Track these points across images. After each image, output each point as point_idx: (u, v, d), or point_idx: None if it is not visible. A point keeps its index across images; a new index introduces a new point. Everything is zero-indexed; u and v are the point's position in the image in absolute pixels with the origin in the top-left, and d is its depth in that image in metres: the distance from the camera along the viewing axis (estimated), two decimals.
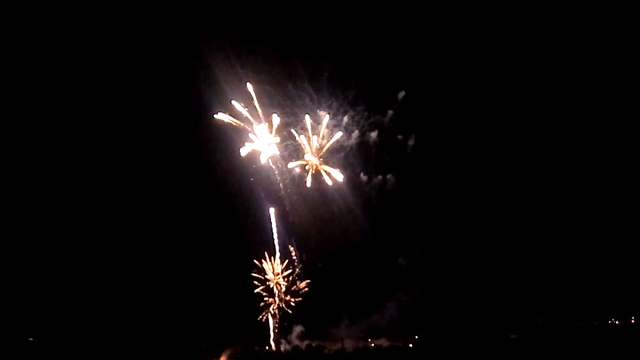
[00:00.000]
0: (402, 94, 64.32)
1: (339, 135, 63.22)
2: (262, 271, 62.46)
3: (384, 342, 62.86)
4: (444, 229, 64.12)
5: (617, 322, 63.47)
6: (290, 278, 62.76)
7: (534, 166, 64.40)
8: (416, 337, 63.33)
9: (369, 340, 63.24)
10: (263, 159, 62.56)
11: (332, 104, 62.49)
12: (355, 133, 63.74)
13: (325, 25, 61.58)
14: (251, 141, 62.27)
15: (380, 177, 64.57)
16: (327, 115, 62.67)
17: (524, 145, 64.62)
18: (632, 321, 62.90)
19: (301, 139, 63.02)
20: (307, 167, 63.29)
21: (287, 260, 63.00)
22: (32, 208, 61.06)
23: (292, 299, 62.35)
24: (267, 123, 62.28)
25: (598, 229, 62.56)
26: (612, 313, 63.18)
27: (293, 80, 61.42)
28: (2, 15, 59.08)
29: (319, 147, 63.08)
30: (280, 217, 63.73)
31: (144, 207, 62.52)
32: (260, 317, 62.24)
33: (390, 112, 64.48)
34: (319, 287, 62.57)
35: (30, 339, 58.29)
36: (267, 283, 62.34)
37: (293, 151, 63.19)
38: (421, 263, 63.76)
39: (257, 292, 62.18)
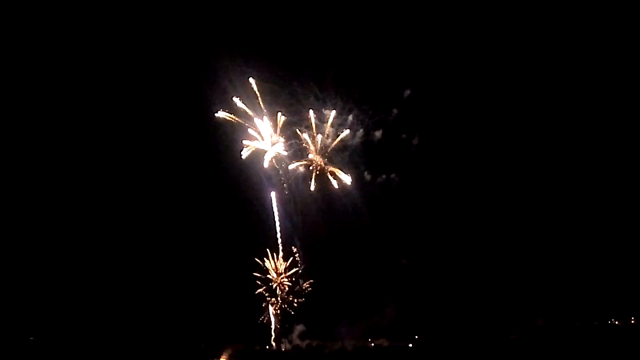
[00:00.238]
0: (407, 92, 64.18)
1: (346, 132, 62.92)
2: (265, 270, 62.17)
3: (384, 342, 62.84)
4: (446, 229, 64.04)
5: (616, 323, 63.62)
6: (294, 278, 62.51)
7: (535, 168, 64.45)
8: (416, 336, 63.19)
9: (369, 340, 63.08)
10: (266, 160, 62.37)
11: (337, 102, 62.20)
12: (360, 132, 63.51)
13: (331, 24, 61.44)
14: (255, 139, 61.99)
15: (384, 176, 64.43)
16: (334, 110, 62.35)
17: (526, 145, 64.61)
18: (632, 322, 63.05)
19: (305, 137, 62.89)
20: (311, 168, 63.09)
21: (290, 259, 62.77)
22: (34, 205, 60.89)
23: (295, 300, 61.96)
24: (271, 122, 62.04)
25: (598, 229, 62.68)
26: (611, 313, 63.39)
27: (298, 79, 61.20)
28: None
29: (323, 146, 62.83)
30: (284, 216, 63.41)
31: (145, 206, 62.27)
32: (262, 318, 62.01)
33: (395, 110, 64.28)
34: (321, 287, 62.34)
35: (31, 338, 58.07)
36: (270, 284, 62.03)
37: (297, 150, 63.05)
38: (423, 263, 63.54)
39: (259, 292, 61.95)
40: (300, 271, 62.65)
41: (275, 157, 62.54)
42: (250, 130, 61.96)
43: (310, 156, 63.07)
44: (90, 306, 59.59)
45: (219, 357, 61.38)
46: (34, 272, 59.28)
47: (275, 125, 61.98)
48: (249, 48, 60.64)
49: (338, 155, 63.25)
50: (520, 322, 63.00)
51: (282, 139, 62.36)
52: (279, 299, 61.96)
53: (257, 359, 62.05)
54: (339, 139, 62.87)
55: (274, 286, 62.09)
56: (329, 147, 63.07)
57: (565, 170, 63.88)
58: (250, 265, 61.80)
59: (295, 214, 62.95)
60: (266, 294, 61.99)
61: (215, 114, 60.84)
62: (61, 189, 61.06)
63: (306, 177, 63.07)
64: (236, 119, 61.42)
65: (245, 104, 61.40)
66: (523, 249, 63.15)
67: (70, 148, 61.66)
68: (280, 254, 62.67)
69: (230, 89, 60.84)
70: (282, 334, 62.04)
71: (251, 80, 60.91)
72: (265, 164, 62.12)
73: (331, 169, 63.06)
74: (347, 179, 62.91)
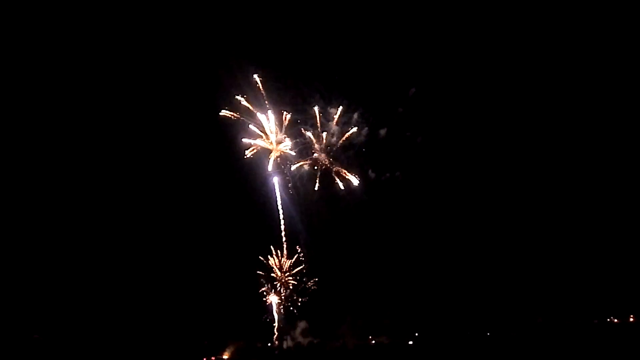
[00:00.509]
0: (412, 90, 64.23)
1: (353, 130, 62.86)
2: (269, 268, 62.17)
3: (384, 340, 63.04)
4: (448, 228, 64.18)
5: (615, 321, 64.01)
6: (298, 277, 62.51)
7: (536, 168, 64.69)
8: (416, 334, 63.38)
9: (370, 337, 63.21)
10: (271, 160, 62.41)
11: (342, 100, 62.14)
12: (365, 130, 63.43)
13: (336, 24, 61.50)
14: (260, 137, 61.94)
15: (388, 174, 64.48)
16: (341, 107, 62.19)
17: (528, 145, 64.80)
18: (631, 319, 63.44)
19: (310, 136, 62.84)
20: (316, 168, 63.06)
21: (295, 257, 62.78)
22: (37, 206, 60.85)
23: (299, 299, 62.05)
24: (276, 121, 61.97)
25: (598, 228, 62.89)
26: (611, 311, 63.81)
27: (304, 77, 61.18)
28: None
29: (328, 144, 62.83)
30: (289, 215, 63.33)
31: (147, 205, 62.30)
32: (265, 317, 62.29)
33: (400, 109, 64.39)
34: (325, 285, 62.45)
35: (35, 335, 58.04)
36: (275, 283, 62.12)
37: (302, 149, 63.00)
38: (425, 260, 63.68)
39: (263, 290, 62.06)
40: (304, 270, 62.77)
41: (279, 155, 62.55)
42: (255, 129, 61.96)
43: (315, 155, 63.10)
44: (93, 304, 59.69)
45: (222, 354, 61.53)
46: (38, 269, 59.38)
47: (280, 123, 61.98)
48: (255, 47, 60.82)
49: (343, 153, 63.46)
50: (521, 320, 63.30)
51: (287, 138, 62.48)
52: (282, 297, 61.96)
53: (259, 356, 61.92)
54: (345, 137, 62.83)
55: (278, 285, 62.18)
56: (334, 145, 63.14)
57: (567, 171, 64.18)
58: (253, 262, 62.08)
59: (300, 212, 63.14)
60: (269, 293, 62.14)
61: (220, 113, 60.87)
62: (64, 187, 61.17)
63: (311, 176, 63.22)
64: (241, 117, 61.27)
65: (250, 103, 61.33)
66: (524, 248, 63.41)
67: (78, 145, 61.82)
68: (285, 251, 62.84)
69: (235, 87, 60.99)
70: (284, 331, 62.13)
71: (256, 77, 61.03)
72: (270, 164, 62.32)
73: (337, 169, 63.08)
74: (354, 180, 63.10)
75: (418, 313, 63.20)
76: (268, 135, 61.91)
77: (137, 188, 61.76)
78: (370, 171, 63.82)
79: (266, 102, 61.15)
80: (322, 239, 62.39)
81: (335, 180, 62.88)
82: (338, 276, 61.86)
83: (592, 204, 63.63)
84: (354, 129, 62.77)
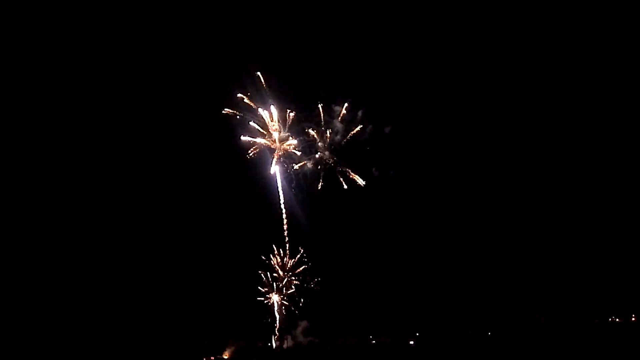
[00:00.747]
0: (417, 88, 63.85)
1: (358, 128, 62.46)
2: (271, 268, 61.92)
3: (385, 339, 62.89)
4: (450, 227, 64.22)
5: (617, 320, 63.96)
6: (300, 277, 62.21)
7: (540, 169, 64.81)
8: (417, 334, 63.24)
9: (371, 337, 63.04)
10: (275, 159, 62.21)
11: (346, 98, 61.81)
12: (369, 128, 63.03)
13: (341, 23, 61.59)
14: (262, 135, 61.78)
15: (392, 172, 64.18)
16: (346, 104, 61.79)
17: (529, 144, 64.96)
18: (633, 319, 63.39)
19: (314, 134, 62.52)
20: (319, 167, 62.80)
21: (297, 256, 62.43)
22: (38, 206, 60.84)
23: (301, 298, 61.76)
24: (280, 119, 61.78)
25: (599, 228, 63.02)
26: (612, 311, 63.80)
27: (308, 75, 60.87)
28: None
29: (332, 142, 62.56)
30: (292, 214, 63.08)
31: (149, 204, 62.30)
32: (266, 316, 62.06)
33: (405, 106, 64.06)
34: (327, 284, 62.21)
35: (34, 335, 57.83)
36: (277, 283, 61.88)
37: (306, 147, 62.67)
38: (426, 260, 63.56)
39: (264, 290, 61.79)
40: (306, 269, 62.44)
41: (283, 154, 62.32)
42: (258, 127, 61.85)
43: (319, 154, 62.78)
44: (94, 303, 59.65)
45: (222, 354, 61.32)
46: (37, 268, 59.30)
47: (284, 121, 61.82)
48: (259, 45, 60.86)
49: (347, 151, 63.02)
50: (522, 319, 63.28)
51: (291, 137, 62.22)
52: (284, 296, 61.67)
53: (259, 356, 61.67)
54: (349, 135, 62.46)
55: (280, 284, 61.87)
56: (338, 143, 62.80)
57: (571, 171, 64.28)
58: (255, 261, 61.76)
59: (303, 211, 62.78)
60: (271, 292, 61.78)
61: (223, 111, 60.75)
62: (65, 187, 61.25)
63: (314, 175, 62.88)
64: (245, 115, 61.19)
65: (254, 101, 61.15)
66: (525, 247, 63.46)
67: (79, 145, 61.96)
68: (287, 251, 62.55)
69: (239, 85, 60.84)
70: (285, 330, 61.90)
71: (259, 74, 60.79)
72: (273, 162, 62.17)
73: (341, 168, 62.69)
74: (359, 180, 62.69)
75: (419, 313, 63.13)
76: (271, 133, 61.73)
77: (138, 188, 61.91)
78: (374, 169, 63.64)
79: (270, 100, 61.13)
80: (325, 238, 62.43)
81: (340, 179, 62.68)
82: (340, 275, 61.96)
83: (594, 204, 63.84)
84: (359, 127, 62.55)
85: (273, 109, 61.19)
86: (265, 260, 61.63)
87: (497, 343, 61.99)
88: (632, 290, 61.38)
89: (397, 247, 63.21)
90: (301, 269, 62.19)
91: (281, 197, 62.56)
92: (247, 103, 60.97)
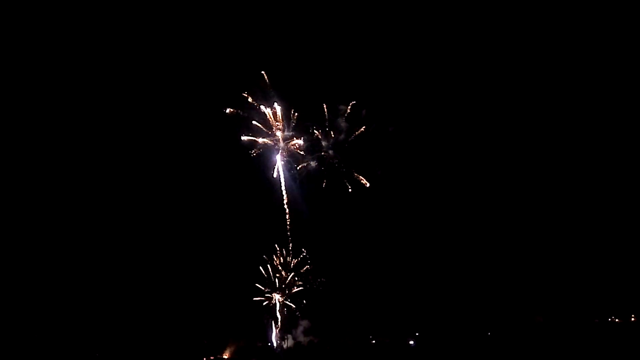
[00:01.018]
0: (417, 88, 63.90)
1: (362, 128, 62.31)
2: (273, 267, 61.75)
3: (385, 339, 62.81)
4: (450, 227, 64.31)
5: (617, 320, 63.99)
6: (302, 277, 62.09)
7: (540, 169, 65.03)
8: (417, 333, 63.24)
9: (370, 337, 63.01)
10: (278, 159, 62.11)
11: (350, 98, 61.71)
12: (373, 127, 62.73)
13: (342, 23, 61.88)
14: (266, 134, 61.70)
15: (394, 172, 63.92)
16: (350, 104, 61.64)
17: (532, 146, 65.23)
18: (632, 319, 63.45)
19: (318, 133, 62.40)
20: (323, 168, 62.74)
21: (300, 256, 62.29)
22: (37, 206, 60.89)
23: (302, 299, 61.67)
24: (283, 118, 61.70)
25: (598, 228, 63.05)
26: (612, 311, 63.89)
27: (312, 75, 60.78)
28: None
29: (336, 142, 62.47)
30: (295, 214, 62.99)
31: (150, 204, 62.31)
32: (267, 316, 61.99)
33: (407, 106, 63.89)
34: (328, 284, 62.17)
35: (35, 335, 57.77)
36: (279, 282, 61.68)
37: (310, 146, 62.52)
38: (426, 260, 63.61)
39: (265, 290, 61.63)
40: (308, 269, 62.32)
41: (287, 153, 62.27)
42: (262, 127, 61.67)
43: (323, 153, 62.78)
44: (94, 303, 59.67)
45: (222, 354, 61.29)
46: (37, 267, 59.29)
47: (288, 120, 61.75)
48: (264, 44, 61.16)
49: (351, 151, 62.89)
50: (521, 319, 63.29)
51: (295, 136, 62.12)
52: (285, 296, 61.55)
53: (259, 356, 61.62)
54: (354, 134, 62.28)
55: (282, 285, 61.72)
56: (342, 143, 62.70)
57: (567, 172, 64.38)
58: (257, 261, 61.56)
59: (306, 210, 62.70)
60: (272, 293, 61.65)
61: (226, 111, 60.73)
62: (66, 185, 61.31)
63: (318, 174, 62.87)
64: (248, 114, 61.07)
65: (258, 100, 61.18)
66: (524, 247, 63.51)
67: (81, 145, 62.20)
68: (290, 250, 62.44)
69: (243, 85, 60.89)
70: (285, 330, 61.86)
71: (263, 74, 60.82)
72: (277, 161, 62.03)
73: (345, 169, 62.65)
74: (363, 181, 62.54)
75: (419, 313, 63.12)
76: (275, 132, 61.72)
77: (139, 188, 62.04)
78: (377, 170, 63.43)
79: (274, 99, 61.13)
80: (327, 238, 62.27)
81: (344, 180, 62.66)
82: (340, 275, 61.97)
83: (593, 204, 63.92)
84: (363, 128, 62.45)
85: (277, 107, 61.25)
86: (267, 260, 61.59)
87: (496, 343, 61.96)
88: (632, 291, 61.38)
89: (396, 247, 63.28)
90: (304, 269, 62.11)
91: (284, 196, 62.59)
92: (252, 102, 61.08)
